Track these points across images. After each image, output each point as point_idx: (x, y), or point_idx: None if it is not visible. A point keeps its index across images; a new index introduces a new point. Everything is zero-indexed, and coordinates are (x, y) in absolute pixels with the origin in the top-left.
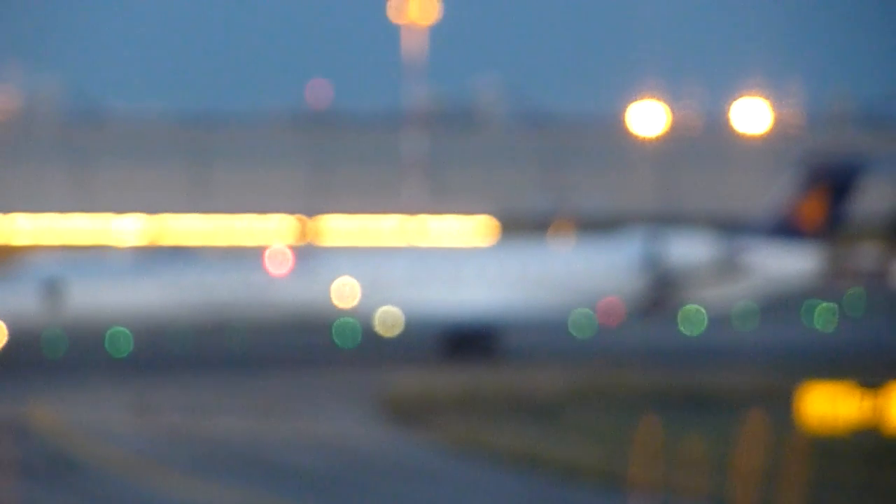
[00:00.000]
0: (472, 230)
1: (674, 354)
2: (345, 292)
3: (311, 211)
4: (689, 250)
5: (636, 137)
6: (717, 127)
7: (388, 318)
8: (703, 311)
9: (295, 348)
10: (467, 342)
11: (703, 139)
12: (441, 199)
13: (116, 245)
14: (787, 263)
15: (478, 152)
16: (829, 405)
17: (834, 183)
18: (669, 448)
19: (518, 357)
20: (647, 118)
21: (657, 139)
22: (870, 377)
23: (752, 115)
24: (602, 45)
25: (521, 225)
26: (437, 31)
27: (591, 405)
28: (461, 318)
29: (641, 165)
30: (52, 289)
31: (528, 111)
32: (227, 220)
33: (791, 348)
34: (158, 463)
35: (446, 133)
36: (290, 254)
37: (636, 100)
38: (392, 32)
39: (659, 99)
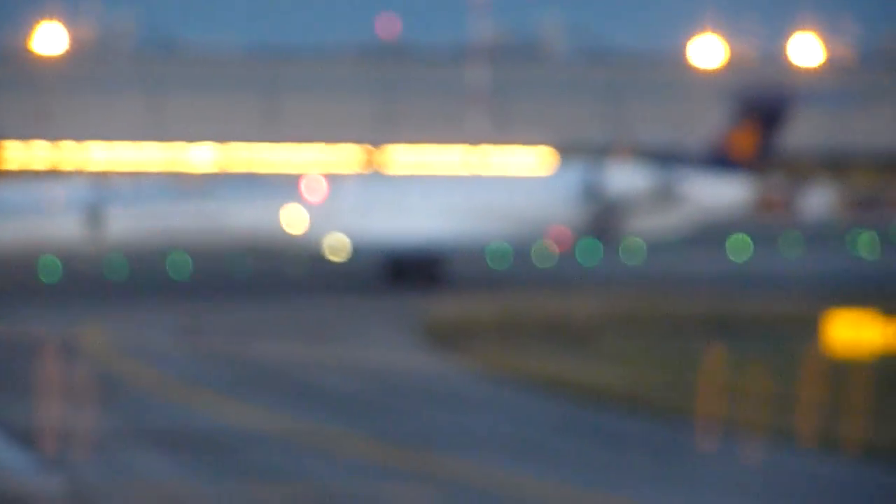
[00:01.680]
0: (533, 161)
1: (661, 280)
2: (294, 220)
3: (378, 141)
4: (626, 180)
5: (695, 71)
6: (775, 60)
7: (336, 245)
8: (641, 241)
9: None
10: (412, 269)
11: (760, 72)
12: (504, 131)
13: (187, 172)
14: (720, 193)
15: (540, 85)
16: (853, 331)
17: (764, 114)
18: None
19: (464, 284)
20: (706, 52)
21: (716, 73)
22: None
23: (808, 50)
24: None
25: (581, 155)
26: None
27: (620, 331)
28: (404, 246)
29: (699, 99)
30: (93, 215)
31: (588, 45)
32: (295, 149)
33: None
34: (196, 385)
35: (509, 66)
36: (324, 182)
37: (694, 35)
38: None
39: (717, 33)
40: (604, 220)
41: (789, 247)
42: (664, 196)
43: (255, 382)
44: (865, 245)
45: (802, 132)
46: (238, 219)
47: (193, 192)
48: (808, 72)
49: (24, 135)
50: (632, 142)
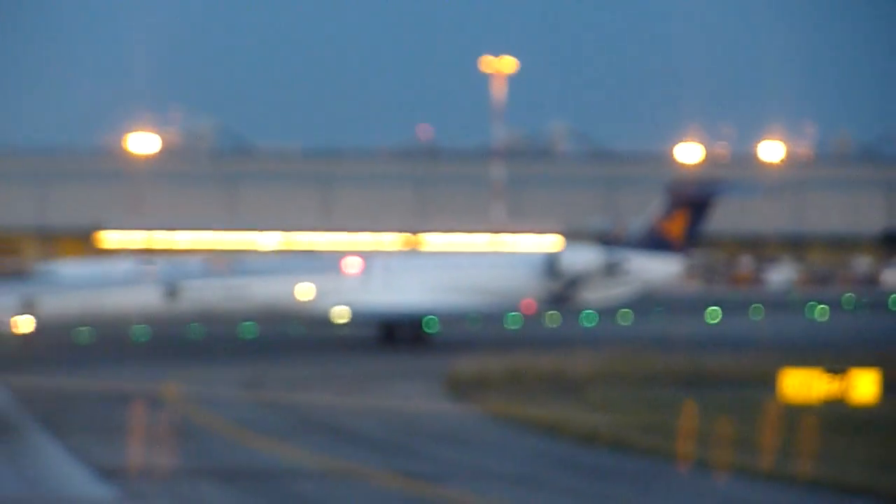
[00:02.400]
0: (543, 244)
1: (628, 340)
2: (305, 293)
3: (415, 228)
4: (581, 259)
5: (679, 168)
6: (744, 159)
7: (338, 313)
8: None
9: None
10: (401, 332)
11: (732, 169)
12: (518, 219)
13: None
14: (655, 268)
15: (549, 180)
16: (803, 384)
17: (691, 205)
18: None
19: (448, 344)
20: (686, 154)
21: (694, 170)
22: (834, 364)
23: (773, 151)
24: (649, 95)
25: (583, 240)
26: (515, 81)
27: (606, 383)
28: (394, 315)
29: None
30: (171, 289)
31: (588, 147)
32: (345, 234)
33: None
34: (252, 428)
35: (524, 164)
36: (360, 260)
37: (678, 140)
38: (482, 82)
39: (696, 139)
40: (563, 291)
41: (755, 313)
42: (611, 271)
43: (301, 427)
44: (820, 313)
45: (767, 219)
46: (260, 292)
47: (225, 272)
48: (772, 167)
49: (121, 222)
50: (625, 228)
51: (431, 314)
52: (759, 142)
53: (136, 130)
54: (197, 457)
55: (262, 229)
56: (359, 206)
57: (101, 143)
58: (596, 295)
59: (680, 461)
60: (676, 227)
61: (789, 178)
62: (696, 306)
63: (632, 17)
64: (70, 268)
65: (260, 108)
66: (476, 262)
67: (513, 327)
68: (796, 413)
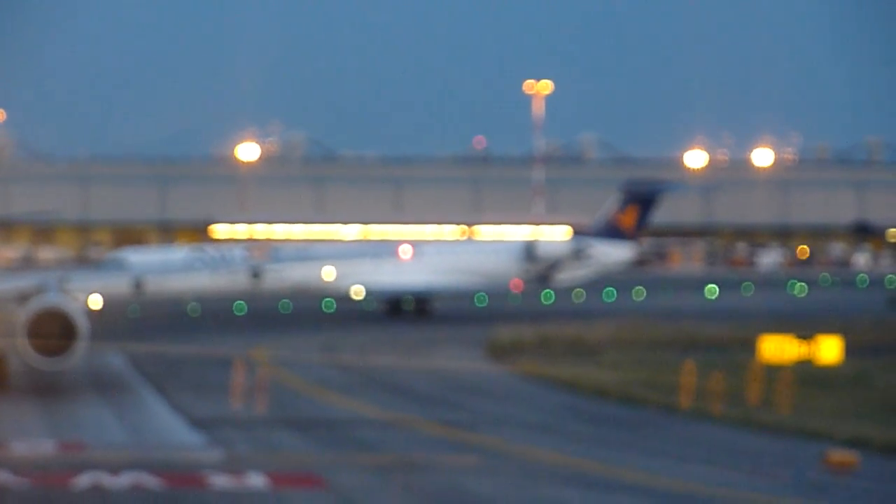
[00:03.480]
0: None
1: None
2: (328, 275)
3: (470, 221)
4: (554, 246)
5: (688, 171)
6: (741, 164)
7: (357, 290)
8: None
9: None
10: (409, 307)
11: (731, 171)
12: (555, 215)
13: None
14: (612, 253)
15: (580, 182)
16: (778, 347)
17: (641, 201)
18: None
19: (448, 317)
20: (693, 159)
21: (701, 174)
22: (804, 331)
23: (764, 156)
24: (662, 110)
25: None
26: (552, 100)
27: (620, 348)
28: (402, 292)
29: (693, 191)
30: (256, 271)
31: (613, 154)
32: (414, 227)
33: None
34: (324, 386)
35: (559, 169)
36: (412, 248)
37: (686, 147)
38: (525, 101)
39: (701, 146)
40: (544, 272)
41: (746, 290)
42: (578, 256)
43: (365, 384)
44: (799, 290)
45: (759, 212)
46: (292, 275)
47: (270, 258)
48: (763, 170)
49: (229, 217)
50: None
51: (432, 293)
52: (752, 148)
53: (242, 141)
54: (276, 409)
55: (344, 223)
56: (425, 204)
57: (213, 151)
58: (565, 276)
59: (675, 410)
60: (629, 219)
61: (728, 180)
62: (699, 285)
63: (648, 45)
64: (136, 256)
65: (344, 122)
66: (468, 250)
67: (510, 303)
68: (773, 372)
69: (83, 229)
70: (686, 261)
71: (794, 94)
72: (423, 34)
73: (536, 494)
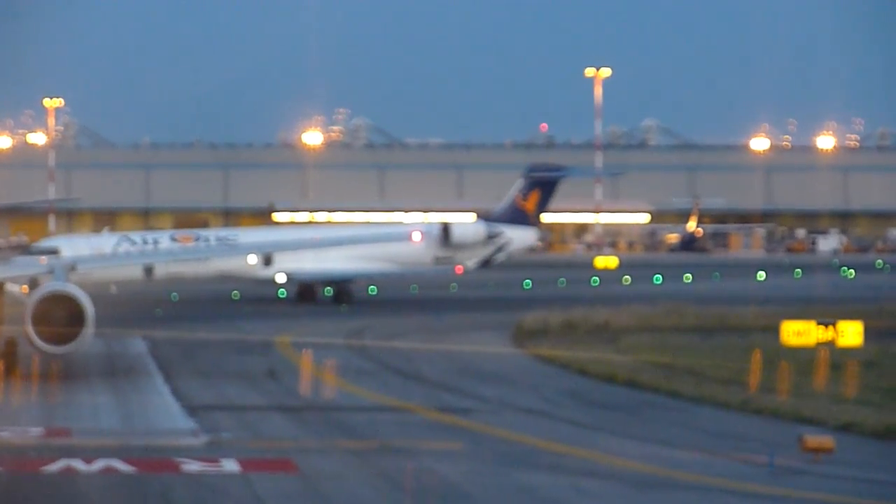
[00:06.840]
0: (634, 221)
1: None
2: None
3: None
4: (468, 231)
5: (748, 155)
6: (806, 148)
7: (279, 276)
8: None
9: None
10: (328, 291)
11: (795, 156)
12: (616, 200)
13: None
14: (518, 237)
15: (641, 167)
16: (799, 331)
17: (542, 186)
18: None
19: (370, 302)
20: (756, 144)
21: (763, 158)
22: (825, 317)
23: (827, 141)
24: (724, 95)
25: (669, 219)
26: (612, 87)
27: (642, 332)
28: (320, 278)
29: (752, 176)
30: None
31: (675, 140)
32: (476, 211)
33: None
34: (336, 372)
35: (621, 154)
36: (423, 232)
37: (748, 132)
38: (587, 88)
39: (764, 132)
40: (485, 258)
41: (796, 275)
42: (487, 240)
43: (378, 370)
44: (850, 275)
45: (819, 197)
46: (221, 265)
47: (190, 248)
48: (826, 153)
49: (290, 204)
50: (704, 208)
51: (348, 278)
52: (815, 134)
53: (306, 128)
54: (277, 395)
55: (405, 210)
56: (488, 189)
57: (276, 137)
58: (474, 259)
59: (677, 395)
60: (531, 204)
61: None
62: (753, 270)
63: (708, 28)
64: (66, 243)
65: (406, 109)
66: (381, 236)
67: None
68: (791, 355)
69: (145, 215)
70: (745, 247)
71: (858, 79)
72: (484, 21)
73: (505, 481)
